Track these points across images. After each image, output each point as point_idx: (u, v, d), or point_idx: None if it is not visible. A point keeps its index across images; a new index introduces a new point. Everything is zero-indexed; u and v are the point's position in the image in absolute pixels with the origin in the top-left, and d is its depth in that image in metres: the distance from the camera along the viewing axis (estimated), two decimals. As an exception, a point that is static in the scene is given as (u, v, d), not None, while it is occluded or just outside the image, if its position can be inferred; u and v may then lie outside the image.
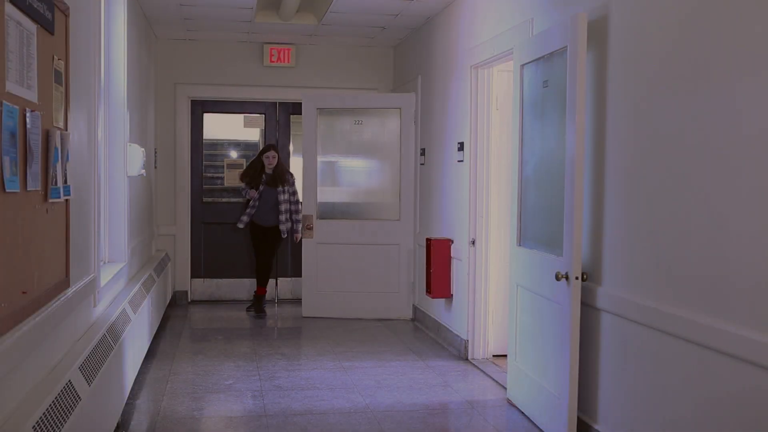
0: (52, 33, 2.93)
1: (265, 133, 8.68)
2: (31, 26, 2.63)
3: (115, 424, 3.91)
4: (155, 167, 7.90)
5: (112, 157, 5.24)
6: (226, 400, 4.87)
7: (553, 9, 4.49)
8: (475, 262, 5.90)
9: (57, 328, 3.08)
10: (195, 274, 8.46)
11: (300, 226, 7.60)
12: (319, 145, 7.67)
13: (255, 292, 7.85)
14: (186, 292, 8.37)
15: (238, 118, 8.89)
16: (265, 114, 8.66)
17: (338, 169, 7.91)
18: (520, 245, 4.70)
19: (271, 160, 7.52)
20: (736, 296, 2.87)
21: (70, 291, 3.27)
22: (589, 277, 3.97)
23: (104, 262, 4.96)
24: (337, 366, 5.71)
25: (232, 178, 8.54)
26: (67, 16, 3.23)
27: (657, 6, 3.44)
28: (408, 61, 7.88)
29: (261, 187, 7.53)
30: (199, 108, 8.45)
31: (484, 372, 5.58)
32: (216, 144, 8.97)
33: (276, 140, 8.54)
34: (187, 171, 8.31)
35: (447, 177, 6.49)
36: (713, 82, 3.01)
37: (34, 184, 2.65)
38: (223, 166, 8.66)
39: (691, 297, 3.14)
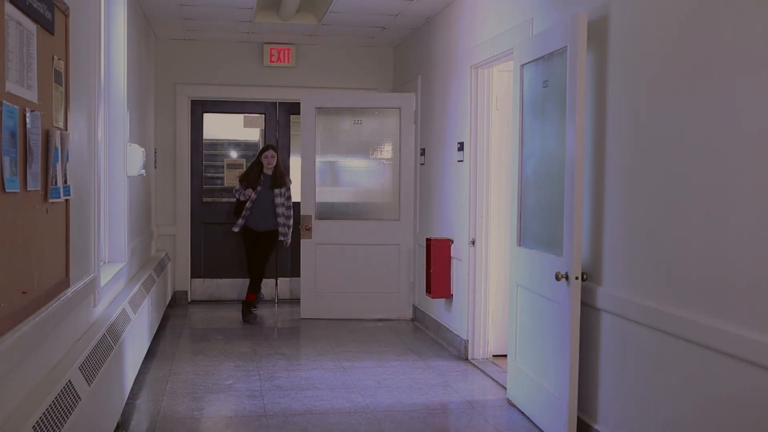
0: (52, 33, 2.93)
1: (265, 133, 8.68)
2: (31, 26, 2.62)
3: (115, 424, 3.91)
4: (155, 167, 7.90)
5: (112, 157, 5.24)
6: (226, 400, 4.87)
7: (553, 9, 4.49)
8: (475, 262, 5.90)
9: (57, 328, 3.08)
10: (195, 274, 8.46)
11: (290, 231, 7.44)
12: (318, 145, 7.63)
13: (245, 297, 7.57)
14: (186, 292, 8.37)
15: (238, 118, 8.89)
16: (265, 114, 8.66)
17: (337, 169, 7.89)
18: (520, 245, 4.70)
19: (270, 160, 7.36)
20: (736, 296, 2.86)
21: (70, 291, 3.27)
22: (589, 277, 3.97)
23: (104, 262, 4.96)
24: (337, 366, 5.71)
25: (232, 178, 8.53)
26: (67, 16, 3.23)
27: (657, 6, 3.44)
28: (408, 61, 7.88)
29: (258, 188, 7.35)
30: (199, 108, 8.45)
31: (484, 372, 5.58)
32: (216, 144, 8.97)
33: (276, 140, 8.54)
34: (187, 171, 8.31)
35: (447, 177, 6.49)
36: (713, 82, 3.01)
37: (34, 184, 2.65)
38: (223, 166, 8.66)
39: (691, 297, 3.14)
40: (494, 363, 5.78)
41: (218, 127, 9.00)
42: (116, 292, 4.88)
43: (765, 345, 2.67)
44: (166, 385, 5.14)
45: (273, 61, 8.28)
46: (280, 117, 8.63)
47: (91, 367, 3.33)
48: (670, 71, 3.30)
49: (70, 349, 3.34)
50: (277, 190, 7.35)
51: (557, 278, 3.98)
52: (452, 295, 6.38)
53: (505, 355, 5.22)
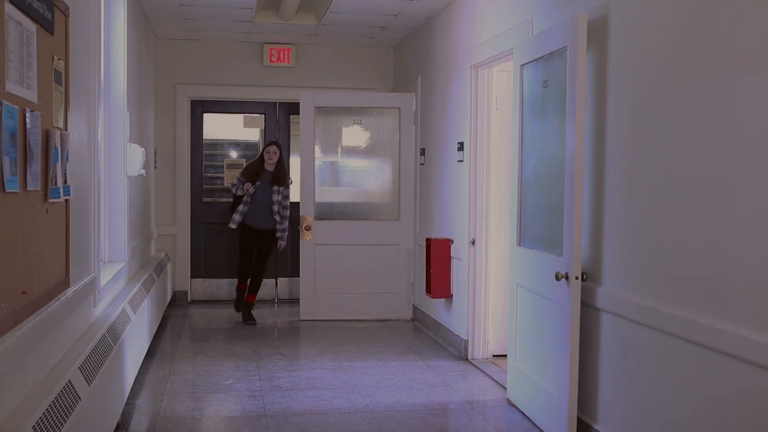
0: (52, 33, 2.93)
1: (265, 133, 8.68)
2: (31, 26, 2.62)
3: (115, 424, 3.91)
4: (155, 167, 7.90)
5: (112, 157, 5.24)
6: (226, 400, 4.87)
7: (553, 9, 4.49)
8: (475, 262, 5.90)
9: (57, 328, 3.08)
10: (195, 274, 8.46)
11: (285, 234, 7.24)
12: (317, 144, 7.61)
13: (245, 299, 7.35)
14: (186, 292, 8.37)
15: (238, 118, 8.89)
16: (265, 114, 8.66)
17: (337, 169, 7.88)
18: (520, 245, 4.70)
19: (272, 156, 7.16)
20: (736, 296, 2.86)
21: (70, 291, 3.27)
22: (589, 277, 3.97)
23: (104, 262, 4.96)
24: (337, 366, 5.71)
25: (232, 178, 8.52)
26: (67, 16, 3.23)
27: (657, 6, 3.44)
28: (408, 61, 7.88)
29: (257, 183, 7.14)
30: (199, 108, 8.45)
31: (484, 372, 5.58)
32: (216, 144, 8.96)
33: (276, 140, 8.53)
34: (187, 171, 8.31)
35: (447, 177, 6.49)
36: (713, 82, 3.01)
37: (34, 184, 2.65)
38: (223, 166, 8.66)
39: (691, 297, 3.14)
40: (494, 363, 5.78)
41: (218, 127, 9.00)
42: (116, 292, 4.88)
43: (765, 345, 2.67)
44: (166, 385, 5.14)
45: (273, 61, 8.28)
46: (280, 117, 8.63)
47: (91, 367, 3.33)
48: (670, 71, 3.30)
49: (70, 349, 3.34)
50: (275, 188, 7.18)
51: (557, 278, 3.98)
52: (452, 295, 6.38)
53: (505, 355, 5.22)
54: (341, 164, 7.88)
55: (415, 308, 7.49)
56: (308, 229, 7.43)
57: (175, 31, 7.71)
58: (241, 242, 7.40)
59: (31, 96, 2.63)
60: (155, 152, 7.90)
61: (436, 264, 6.40)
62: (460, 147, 6.08)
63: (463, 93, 6.05)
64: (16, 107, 2.42)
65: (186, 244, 8.35)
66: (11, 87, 2.40)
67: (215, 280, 8.51)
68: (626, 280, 3.66)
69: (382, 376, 5.42)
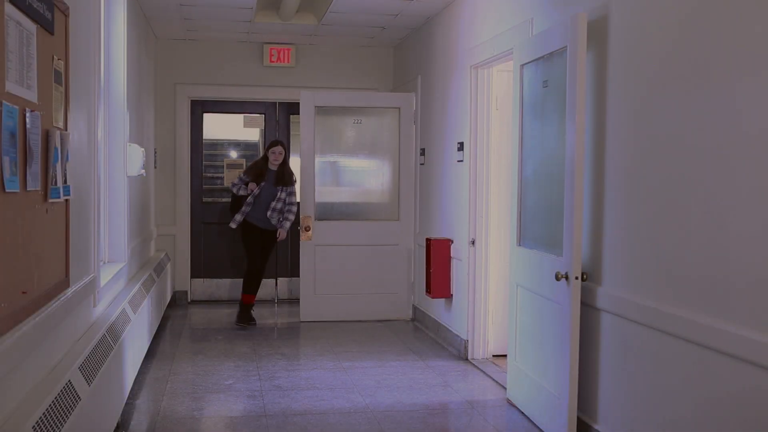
0: (51, 33, 2.93)
1: (265, 133, 8.68)
2: (30, 26, 2.62)
3: (115, 424, 3.91)
4: (155, 167, 7.90)
5: (112, 157, 5.24)
6: (226, 400, 4.87)
7: (553, 9, 4.49)
8: (474, 262, 5.90)
9: (57, 328, 3.08)
10: (195, 274, 8.46)
11: (287, 225, 7.13)
12: (317, 144, 7.59)
13: (241, 301, 7.22)
14: (186, 292, 8.37)
15: (238, 118, 8.89)
16: (264, 114, 8.66)
17: (337, 169, 7.86)
18: (520, 245, 4.70)
19: (277, 156, 7.06)
20: (736, 296, 2.86)
21: (69, 291, 3.27)
22: (589, 277, 3.97)
23: (104, 262, 4.96)
24: (337, 366, 5.71)
25: (231, 178, 8.52)
26: (67, 16, 3.23)
27: (657, 6, 3.44)
28: (408, 61, 7.88)
29: (262, 184, 7.06)
30: (199, 108, 8.45)
31: (484, 372, 5.58)
32: (216, 144, 8.97)
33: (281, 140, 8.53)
34: (187, 171, 8.30)
35: (447, 177, 6.49)
36: (713, 82, 3.01)
37: (34, 184, 2.65)
38: (223, 166, 8.67)
39: (691, 297, 3.14)
40: (494, 363, 5.78)
41: (218, 127, 9.00)
42: (116, 292, 4.88)
43: (765, 345, 2.67)
44: (166, 385, 5.14)
45: (273, 61, 8.28)
46: (280, 117, 8.63)
47: (91, 367, 3.33)
48: (670, 71, 3.30)
49: (70, 349, 3.34)
50: (280, 188, 7.12)
51: (557, 278, 3.98)
52: (452, 295, 6.38)
53: (505, 355, 5.22)
54: (341, 164, 7.86)
55: (415, 308, 7.49)
56: (308, 229, 7.40)
57: (175, 31, 7.71)
58: (246, 243, 7.23)
59: (31, 96, 2.63)
60: (155, 152, 7.90)
61: (436, 264, 6.40)
62: (460, 147, 6.08)
63: (463, 93, 6.05)
64: (16, 107, 2.42)
65: (186, 244, 8.35)
66: (11, 87, 2.40)
67: (215, 280, 8.51)
68: (626, 280, 3.66)
69: (382, 376, 5.42)
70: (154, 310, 6.03)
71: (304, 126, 7.52)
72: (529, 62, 4.55)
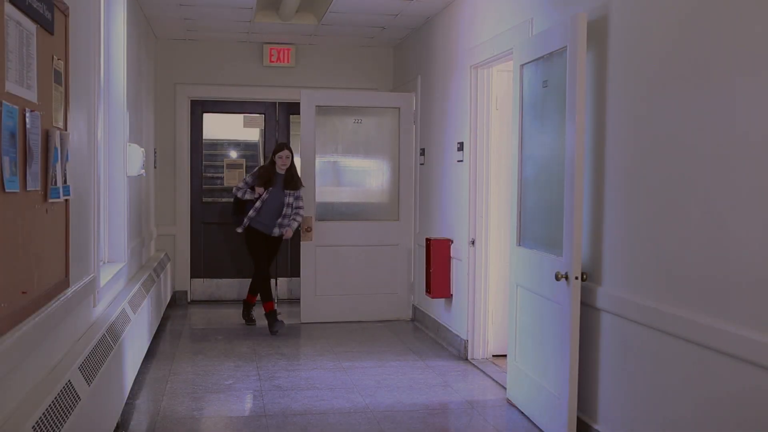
0: (51, 33, 2.93)
1: (265, 133, 8.68)
2: (30, 26, 2.62)
3: (115, 424, 3.91)
4: (155, 167, 7.90)
5: (112, 157, 5.24)
6: (226, 400, 4.87)
7: (553, 9, 4.49)
8: (474, 262, 5.90)
9: (57, 328, 3.08)
10: (195, 274, 8.46)
11: (294, 225, 6.99)
12: (317, 144, 7.56)
13: (264, 309, 7.00)
14: (186, 292, 8.37)
15: (238, 118, 8.89)
16: (264, 114, 8.65)
17: (336, 169, 7.84)
18: (519, 245, 4.70)
19: (284, 160, 6.88)
20: (736, 296, 2.86)
21: (69, 291, 3.27)
22: (589, 277, 3.97)
23: (104, 262, 4.96)
24: (337, 366, 5.71)
25: (231, 178, 8.53)
26: (66, 16, 3.23)
27: (657, 6, 3.44)
28: (408, 61, 7.88)
29: (270, 188, 6.89)
30: (199, 108, 8.45)
31: (483, 372, 5.58)
32: (216, 144, 8.97)
33: (275, 140, 8.53)
34: (186, 171, 8.30)
35: (447, 177, 6.49)
36: (713, 82, 3.01)
37: (34, 184, 2.65)
38: (222, 166, 8.67)
39: (691, 297, 3.14)
40: (494, 363, 5.78)
41: (218, 127, 9.00)
42: (116, 292, 4.88)
43: (765, 345, 2.67)
44: (165, 385, 5.14)
45: (273, 61, 8.28)
46: (279, 117, 8.63)
47: (90, 367, 3.33)
48: (670, 71, 3.30)
49: (70, 349, 3.34)
50: (288, 191, 6.95)
51: (557, 278, 3.98)
52: (452, 295, 6.38)
53: (505, 355, 5.22)
54: (341, 164, 7.84)
55: (414, 308, 7.49)
56: (309, 230, 7.35)
57: (175, 31, 7.71)
58: (251, 249, 7.05)
59: (31, 96, 2.63)
60: (155, 152, 7.90)
61: (436, 264, 6.40)
62: (460, 147, 6.08)
63: (462, 93, 6.05)
64: (16, 107, 2.42)
65: (186, 244, 8.35)
66: (11, 87, 2.40)
67: (215, 280, 8.51)
68: (626, 280, 3.65)
69: (382, 376, 5.42)
70: (153, 310, 6.03)
71: (304, 126, 7.48)
72: (529, 62, 4.55)
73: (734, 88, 2.88)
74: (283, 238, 7.12)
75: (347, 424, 4.41)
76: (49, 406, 2.65)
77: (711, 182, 3.02)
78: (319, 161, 7.55)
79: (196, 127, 8.43)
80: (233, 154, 9.03)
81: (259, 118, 8.72)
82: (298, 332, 7.05)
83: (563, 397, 3.98)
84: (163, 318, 7.04)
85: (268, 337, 6.74)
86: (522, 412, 4.61)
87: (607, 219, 3.84)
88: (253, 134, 9.16)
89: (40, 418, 2.52)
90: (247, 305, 7.34)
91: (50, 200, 2.89)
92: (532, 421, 4.46)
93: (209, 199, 8.54)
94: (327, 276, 7.45)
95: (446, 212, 6.51)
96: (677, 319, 3.19)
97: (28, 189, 2.57)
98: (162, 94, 8.14)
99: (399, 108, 7.56)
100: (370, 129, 7.75)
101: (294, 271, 8.41)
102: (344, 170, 7.85)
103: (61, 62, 3.12)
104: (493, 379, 5.36)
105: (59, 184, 3.00)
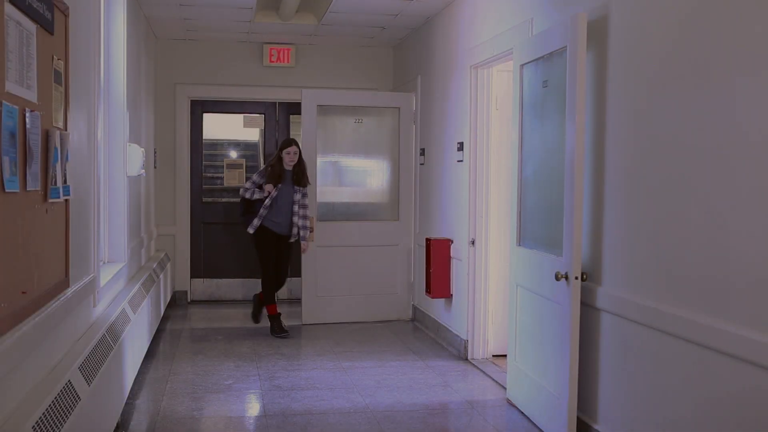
0: (51, 33, 2.93)
1: (265, 133, 8.68)
2: (30, 26, 2.62)
3: (115, 424, 3.91)
4: (155, 167, 7.90)
5: (112, 157, 5.24)
6: (225, 400, 4.87)
7: (553, 9, 4.49)
8: (474, 262, 5.90)
9: (57, 328, 3.08)
10: (195, 274, 8.46)
11: (308, 234, 6.83)
12: (318, 144, 7.53)
13: (266, 312, 6.89)
14: (186, 292, 8.37)
15: (238, 118, 8.89)
16: (264, 114, 8.65)
17: (337, 169, 7.83)
18: (519, 245, 4.70)
19: (292, 157, 6.69)
20: (736, 296, 2.86)
21: (69, 291, 3.27)
22: (589, 277, 3.97)
23: (104, 262, 4.96)
24: (337, 366, 5.71)
25: (231, 178, 8.53)
26: (66, 16, 3.22)
27: (657, 6, 3.44)
28: (408, 61, 7.88)
29: (279, 186, 6.71)
30: (199, 108, 8.45)
31: (483, 372, 5.58)
32: (216, 144, 8.97)
33: (276, 140, 8.53)
34: (186, 171, 8.30)
35: (446, 177, 6.49)
36: (713, 82, 3.01)
37: (34, 184, 2.65)
38: (222, 166, 8.66)
39: (691, 297, 3.14)
40: (494, 363, 5.78)
41: (218, 127, 9.00)
42: (116, 292, 4.88)
43: (765, 345, 2.67)
44: (165, 385, 5.14)
45: (273, 61, 8.27)
46: (279, 117, 8.62)
47: (90, 367, 3.33)
48: (670, 71, 3.30)
49: (69, 349, 3.34)
50: (297, 188, 6.77)
51: (557, 278, 3.98)
52: (452, 295, 6.38)
53: (505, 355, 5.22)
54: (341, 164, 7.83)
55: (414, 308, 7.49)
56: (311, 230, 7.27)
57: (175, 31, 7.71)
58: (261, 250, 6.83)
59: (31, 96, 2.63)
60: (155, 152, 7.90)
61: (436, 264, 6.40)
62: (460, 147, 6.08)
63: (462, 93, 6.05)
64: (16, 107, 2.42)
65: (186, 244, 8.35)
66: (11, 87, 2.40)
67: (215, 280, 8.51)
68: (626, 280, 3.65)
69: (382, 376, 5.42)
70: (153, 310, 6.03)
71: (305, 126, 7.40)
72: (529, 62, 4.55)
73: (734, 88, 2.88)
74: (303, 252, 6.96)
75: (347, 424, 4.41)
76: (49, 406, 2.65)
77: (711, 182, 3.02)
78: (320, 161, 7.52)
79: (196, 127, 8.43)
80: (233, 154, 9.02)
81: (259, 118, 8.72)
82: (298, 332, 7.04)
83: (563, 397, 3.98)
84: (163, 318, 7.04)
85: (268, 337, 6.74)
86: (522, 412, 4.61)
87: (607, 219, 3.84)
88: (253, 134, 9.15)
89: (40, 418, 2.52)
90: (276, 318, 6.87)
91: (50, 200, 2.89)
92: (532, 421, 4.46)
93: (209, 199, 8.54)
94: (327, 276, 7.41)
95: (446, 212, 6.51)
96: (677, 319, 3.19)
97: (28, 189, 2.57)
98: (162, 94, 8.14)
99: (399, 108, 7.55)
100: (370, 129, 7.74)
101: (293, 271, 8.37)
102: (345, 170, 7.83)
103: (61, 62, 3.12)
104: (493, 379, 5.36)
105: (59, 184, 3.00)
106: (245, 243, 8.29)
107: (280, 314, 6.86)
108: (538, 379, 4.37)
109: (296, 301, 8.22)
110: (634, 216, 3.58)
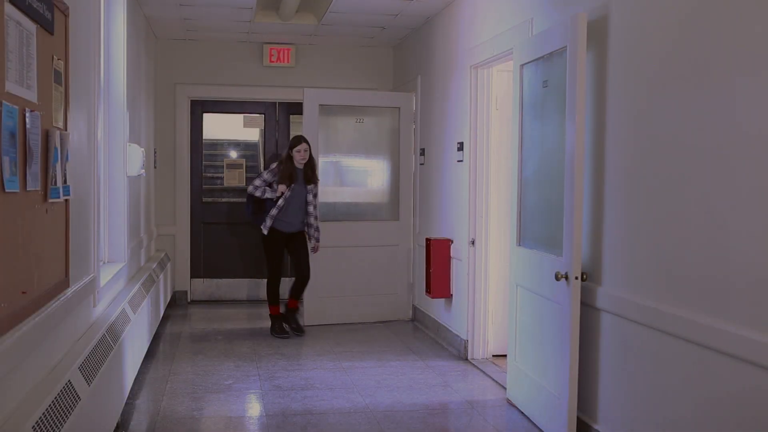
0: (51, 33, 2.93)
1: (265, 133, 8.68)
2: (30, 26, 2.62)
3: (115, 424, 3.91)
4: (155, 167, 7.90)
5: (112, 157, 5.24)
6: (225, 400, 4.87)
7: (553, 9, 4.49)
8: (474, 262, 5.90)
9: (57, 328, 3.08)
10: (195, 274, 8.46)
11: (319, 234, 6.80)
12: (319, 144, 7.50)
13: (287, 306, 6.86)
14: (186, 292, 8.37)
15: (238, 118, 8.89)
16: (264, 114, 8.65)
17: (338, 169, 7.82)
18: (519, 245, 4.70)
19: (303, 154, 6.57)
20: (736, 296, 2.86)
21: (69, 291, 3.27)
22: (589, 277, 3.97)
23: (104, 262, 4.96)
24: (337, 366, 5.71)
25: (231, 178, 8.53)
26: (66, 16, 3.22)
27: (657, 6, 3.44)
28: (408, 61, 7.88)
29: (292, 185, 6.60)
30: (199, 108, 8.45)
31: (483, 372, 5.58)
32: (216, 144, 8.96)
33: (276, 140, 8.53)
34: (186, 171, 8.30)
35: (446, 177, 6.49)
36: (713, 82, 3.01)
37: (34, 184, 2.65)
38: (222, 166, 8.66)
39: (691, 297, 3.14)
40: (494, 363, 5.78)
41: (218, 127, 9.00)
42: (116, 292, 4.88)
43: (765, 345, 2.67)
44: (165, 385, 5.14)
45: (273, 61, 8.27)
46: (279, 117, 8.62)
47: (90, 367, 3.33)
48: (670, 71, 3.30)
49: (69, 349, 3.34)
50: (310, 186, 6.68)
51: (557, 278, 3.98)
52: (452, 295, 6.38)
53: (505, 355, 5.22)
54: (342, 164, 7.83)
55: (414, 308, 7.49)
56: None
57: (175, 31, 7.71)
58: (269, 249, 6.76)
59: (31, 96, 2.63)
60: (155, 152, 7.90)
61: (436, 264, 6.40)
62: (460, 147, 6.08)
63: (462, 93, 6.05)
64: (16, 107, 2.42)
65: (186, 244, 8.35)
66: (11, 87, 2.40)
67: (215, 280, 8.51)
68: (626, 280, 3.65)
69: (381, 376, 5.42)
70: (153, 310, 6.03)
71: (307, 125, 7.30)
72: (529, 62, 4.55)
73: (734, 87, 2.88)
74: (313, 252, 6.89)
75: (347, 424, 4.41)
76: (49, 406, 2.65)
77: (711, 182, 3.02)
78: (322, 161, 7.47)
79: (196, 127, 8.43)
80: (233, 154, 9.02)
81: (259, 118, 8.72)
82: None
83: (563, 397, 3.98)
84: (163, 318, 7.04)
85: (268, 337, 6.74)
86: (522, 412, 4.61)
87: (607, 219, 3.84)
88: (253, 134, 9.15)
89: (40, 418, 2.52)
90: (291, 311, 6.89)
91: (50, 200, 2.89)
92: (532, 421, 4.46)
93: (209, 199, 8.54)
94: (327, 277, 7.37)
95: (446, 212, 6.51)
96: (677, 319, 3.19)
97: (28, 189, 2.57)
98: (162, 94, 8.14)
99: (399, 108, 7.55)
100: (371, 129, 7.73)
101: (292, 272, 8.34)
102: (345, 170, 7.82)
103: (61, 62, 3.12)
104: (493, 379, 5.36)
105: (59, 184, 3.00)
106: (245, 243, 8.30)
107: (281, 315, 6.86)
108: (538, 379, 4.37)
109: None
110: (634, 216, 3.58)
